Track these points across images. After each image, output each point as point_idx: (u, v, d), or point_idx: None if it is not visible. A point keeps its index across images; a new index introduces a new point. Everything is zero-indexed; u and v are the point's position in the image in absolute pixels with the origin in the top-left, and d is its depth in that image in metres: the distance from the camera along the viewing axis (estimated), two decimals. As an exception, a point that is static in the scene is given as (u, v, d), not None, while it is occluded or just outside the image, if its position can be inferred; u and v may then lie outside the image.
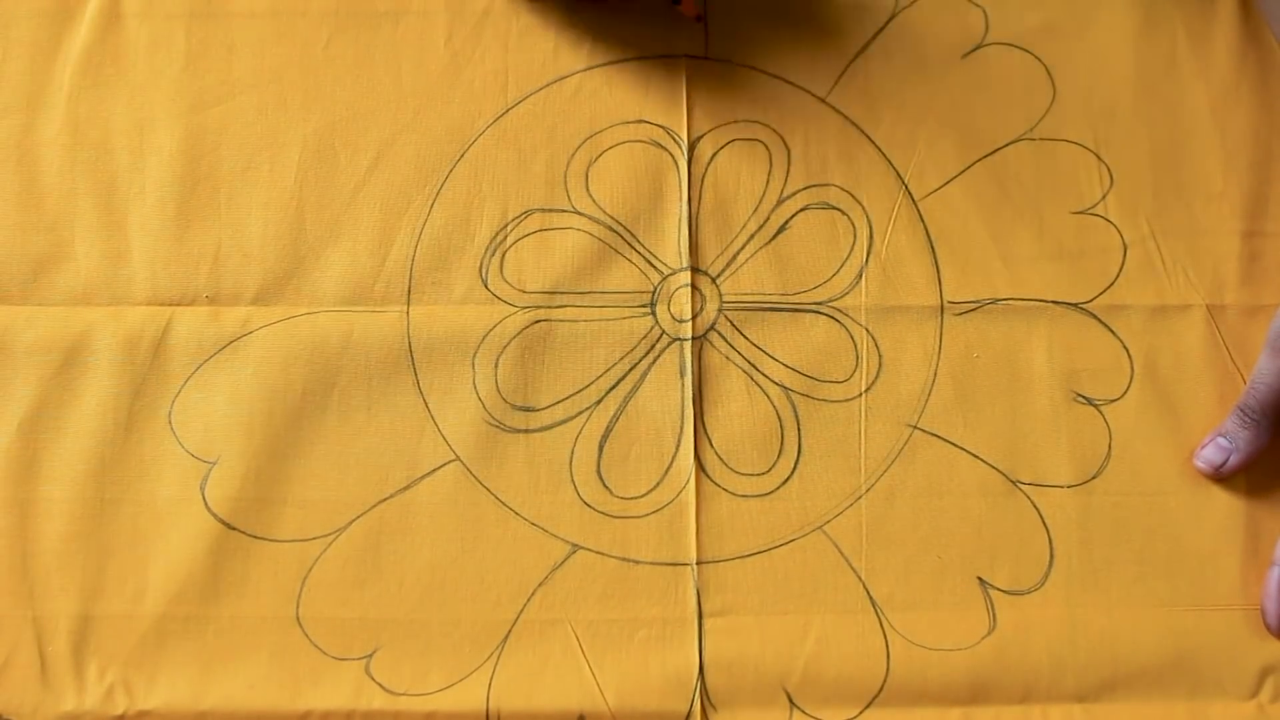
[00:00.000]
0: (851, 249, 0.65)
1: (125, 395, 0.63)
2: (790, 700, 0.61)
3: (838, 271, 0.65)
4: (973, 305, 0.65)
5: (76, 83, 0.66)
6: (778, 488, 0.63)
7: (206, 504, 0.62)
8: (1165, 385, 0.64)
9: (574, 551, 0.63)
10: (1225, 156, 0.67)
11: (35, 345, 0.64)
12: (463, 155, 0.66)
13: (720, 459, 0.64)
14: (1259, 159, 0.66)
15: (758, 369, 0.64)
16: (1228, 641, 0.62)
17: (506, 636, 0.62)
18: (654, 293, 0.65)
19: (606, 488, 0.63)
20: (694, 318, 0.65)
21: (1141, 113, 0.67)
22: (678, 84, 0.67)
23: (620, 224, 0.65)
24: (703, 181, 0.66)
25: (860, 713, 0.61)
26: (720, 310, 0.65)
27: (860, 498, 0.63)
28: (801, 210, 0.66)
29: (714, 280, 0.65)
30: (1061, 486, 0.63)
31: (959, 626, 0.62)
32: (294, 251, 0.65)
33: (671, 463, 0.63)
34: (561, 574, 0.62)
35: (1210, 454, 0.63)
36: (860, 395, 0.64)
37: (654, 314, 0.65)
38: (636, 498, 0.63)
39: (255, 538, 0.62)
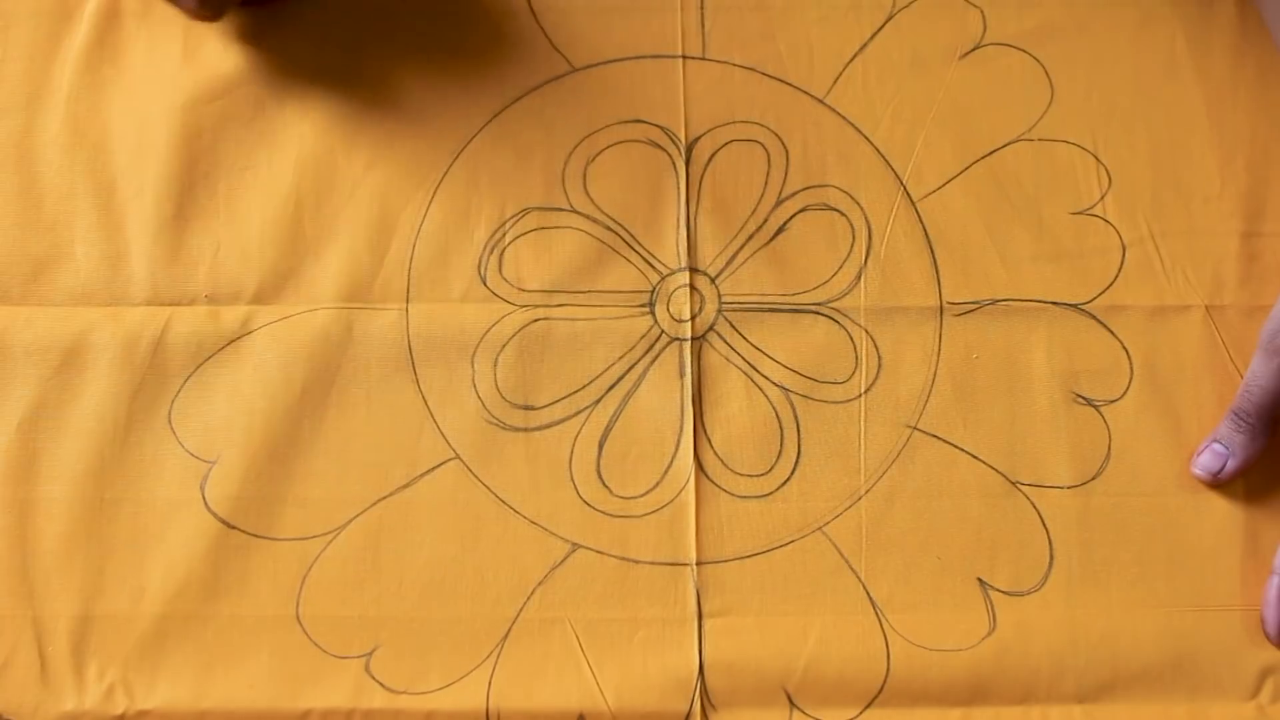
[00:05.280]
0: (850, 250, 0.66)
1: (124, 395, 0.63)
2: (790, 700, 0.61)
3: (837, 272, 0.65)
4: (972, 306, 0.65)
5: (75, 83, 0.66)
6: (777, 489, 0.63)
7: (206, 503, 0.62)
8: (1165, 386, 0.64)
9: (574, 550, 0.63)
10: (1224, 157, 0.67)
11: (34, 345, 0.64)
12: (460, 153, 0.66)
13: (720, 460, 0.63)
14: (1257, 159, 0.67)
15: (757, 370, 0.64)
16: (1228, 642, 0.62)
17: (506, 635, 0.62)
18: (653, 292, 0.65)
19: (606, 487, 0.63)
20: (693, 318, 0.65)
21: (1140, 113, 0.67)
22: (675, 84, 0.67)
23: (618, 224, 0.66)
24: (701, 182, 0.66)
25: (860, 713, 0.61)
26: (719, 311, 0.65)
27: (860, 499, 0.63)
28: (800, 211, 0.66)
29: (713, 280, 0.65)
30: (1061, 487, 0.63)
31: (959, 627, 0.62)
32: (293, 250, 0.65)
33: (671, 463, 0.63)
34: (561, 573, 0.62)
35: (1207, 461, 0.63)
36: (860, 396, 0.64)
37: (653, 314, 0.65)
38: (636, 497, 0.63)
39: (255, 537, 0.62)
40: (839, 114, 0.67)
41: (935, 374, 0.64)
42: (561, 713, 0.61)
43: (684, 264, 0.65)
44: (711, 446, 0.64)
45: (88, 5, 0.67)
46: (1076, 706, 0.61)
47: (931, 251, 0.66)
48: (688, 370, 0.64)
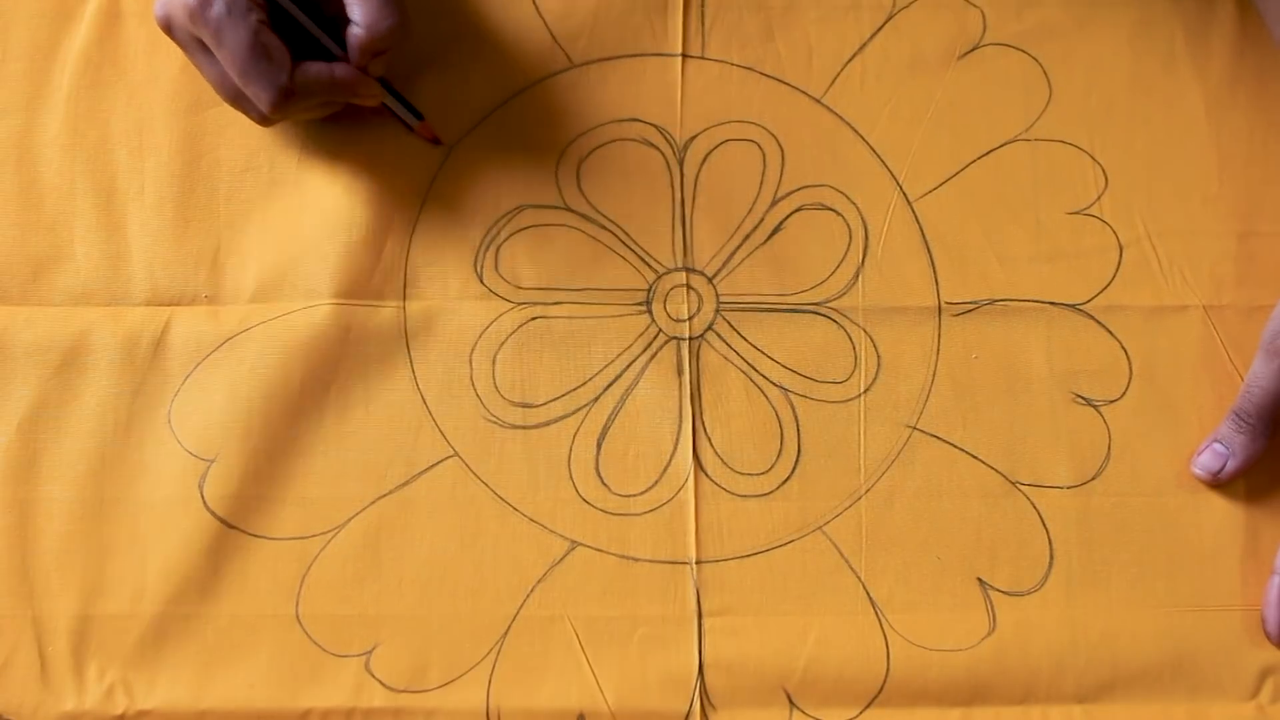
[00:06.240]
0: (847, 250, 0.66)
1: (124, 395, 0.63)
2: (790, 700, 0.61)
3: (834, 272, 0.65)
4: (970, 306, 0.65)
5: (76, 83, 0.66)
6: (777, 488, 0.63)
7: (205, 503, 0.62)
8: (1164, 386, 0.64)
9: (573, 548, 0.62)
10: (1221, 157, 0.67)
11: (34, 345, 0.64)
12: (454, 148, 0.66)
13: (719, 458, 0.63)
14: (1255, 159, 0.67)
15: (756, 369, 0.64)
16: (1227, 642, 0.62)
17: (506, 633, 0.61)
18: (650, 291, 0.65)
19: (605, 485, 0.63)
20: (691, 318, 0.65)
21: (1138, 113, 0.67)
22: (673, 82, 0.67)
23: (613, 222, 0.66)
24: (696, 181, 0.66)
25: (860, 713, 0.61)
26: (718, 310, 0.65)
27: (860, 498, 0.63)
28: (796, 211, 0.66)
29: (710, 280, 0.65)
30: (1061, 487, 0.63)
31: (959, 627, 0.62)
32: (292, 249, 0.65)
33: (670, 461, 0.63)
34: (560, 571, 0.62)
35: (1207, 461, 0.63)
36: (859, 396, 0.64)
37: (650, 312, 0.65)
38: (635, 495, 0.63)
39: (254, 536, 0.62)
40: (836, 114, 0.67)
41: (934, 374, 0.64)
42: (561, 711, 0.61)
43: (680, 263, 0.65)
44: (711, 445, 0.64)
45: (88, 5, 0.67)
46: (1076, 706, 0.61)
47: (929, 251, 0.66)
48: (686, 368, 0.64)
